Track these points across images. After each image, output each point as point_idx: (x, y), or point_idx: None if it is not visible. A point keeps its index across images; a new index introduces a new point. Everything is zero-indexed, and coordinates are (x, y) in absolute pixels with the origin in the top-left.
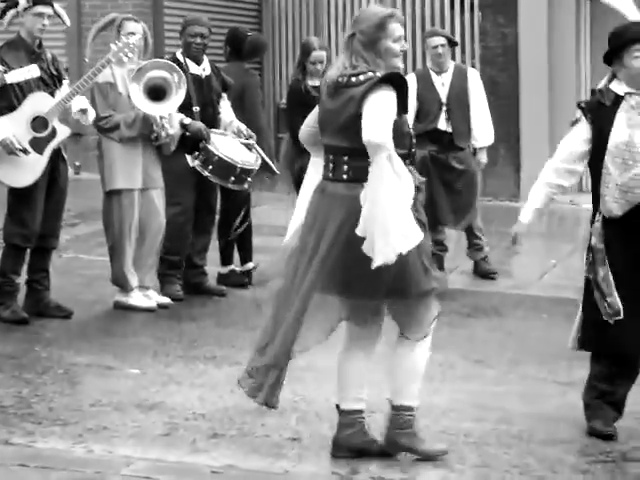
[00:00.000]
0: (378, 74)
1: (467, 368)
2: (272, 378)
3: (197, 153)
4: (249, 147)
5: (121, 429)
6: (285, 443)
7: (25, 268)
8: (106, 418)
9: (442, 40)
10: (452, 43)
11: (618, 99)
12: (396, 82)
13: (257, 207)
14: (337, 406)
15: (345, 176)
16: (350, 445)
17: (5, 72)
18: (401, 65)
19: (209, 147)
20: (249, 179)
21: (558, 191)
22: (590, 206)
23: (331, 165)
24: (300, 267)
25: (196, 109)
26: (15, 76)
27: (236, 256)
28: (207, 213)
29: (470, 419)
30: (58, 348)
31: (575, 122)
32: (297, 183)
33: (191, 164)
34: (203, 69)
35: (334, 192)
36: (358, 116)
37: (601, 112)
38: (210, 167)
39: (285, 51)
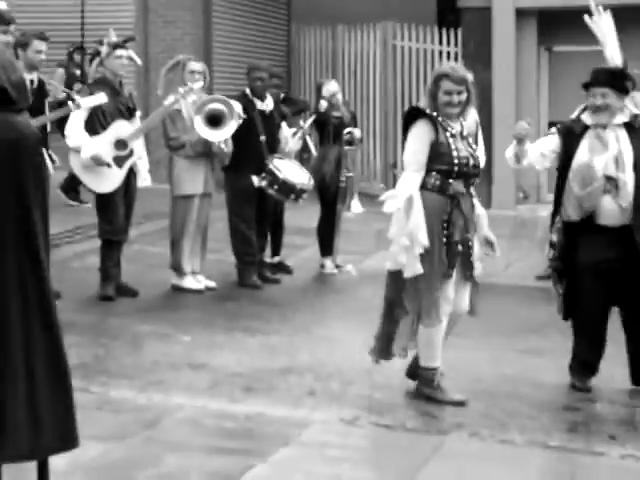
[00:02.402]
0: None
1: (448, 339)
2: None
3: (264, 175)
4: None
5: (175, 383)
6: (303, 396)
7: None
8: (163, 374)
9: None
10: None
11: (586, 128)
12: (418, 114)
13: (285, 211)
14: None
15: None
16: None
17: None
18: (451, 112)
19: (274, 171)
20: (304, 196)
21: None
22: (545, 214)
23: None
24: None
25: (262, 138)
26: (88, 102)
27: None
28: (263, 220)
29: (448, 378)
30: (127, 319)
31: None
32: (320, 191)
33: (257, 184)
34: (266, 105)
35: None
36: None
37: (571, 137)
38: (275, 187)
39: (308, 90)
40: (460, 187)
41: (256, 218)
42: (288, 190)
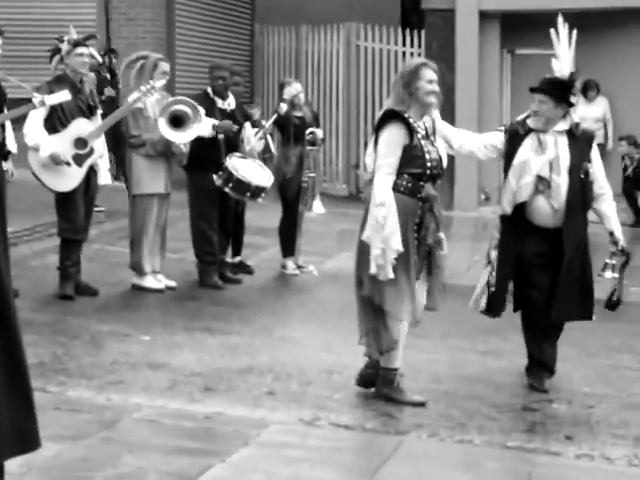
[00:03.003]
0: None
1: (407, 340)
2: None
3: (220, 173)
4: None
5: (134, 383)
6: (262, 396)
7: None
8: (122, 374)
9: None
10: None
11: (529, 131)
12: (398, 117)
13: (247, 211)
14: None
15: None
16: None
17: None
18: (434, 101)
19: (230, 169)
20: (263, 194)
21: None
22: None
23: None
24: None
25: (221, 137)
26: (52, 99)
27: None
28: (225, 219)
29: (408, 379)
30: (86, 318)
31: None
32: (282, 191)
33: (217, 183)
34: (228, 104)
35: None
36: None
37: (515, 137)
38: (230, 185)
39: (271, 90)
40: (431, 190)
41: (218, 218)
42: (244, 189)
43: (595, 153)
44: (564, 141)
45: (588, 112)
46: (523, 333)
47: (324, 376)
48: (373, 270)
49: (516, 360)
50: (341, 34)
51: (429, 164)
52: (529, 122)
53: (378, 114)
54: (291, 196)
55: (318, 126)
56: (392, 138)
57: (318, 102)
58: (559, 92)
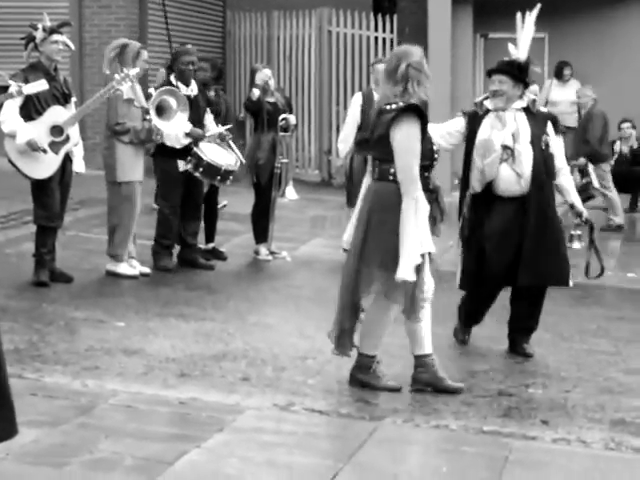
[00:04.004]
0: (401, 104)
1: None
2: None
3: (189, 158)
4: (228, 145)
5: (109, 369)
6: (237, 382)
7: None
8: (98, 360)
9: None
10: None
11: (488, 111)
12: (417, 111)
13: (220, 198)
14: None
15: (377, 176)
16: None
17: (21, 86)
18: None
19: (199, 154)
20: (231, 178)
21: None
22: None
23: (374, 169)
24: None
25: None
26: (29, 88)
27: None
28: (195, 205)
29: (383, 364)
30: (61, 305)
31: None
32: (255, 178)
33: (182, 168)
34: (191, 90)
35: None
36: (386, 136)
37: (476, 119)
38: (200, 169)
39: (243, 76)
40: (437, 181)
41: (190, 203)
42: (214, 172)
43: (551, 130)
44: (522, 117)
45: (562, 96)
46: (467, 293)
47: (298, 362)
48: (408, 276)
49: (492, 345)
50: (313, 20)
51: (436, 155)
52: (487, 103)
53: (394, 106)
54: (264, 182)
55: (291, 112)
56: (416, 135)
57: (290, 88)
58: (517, 72)
